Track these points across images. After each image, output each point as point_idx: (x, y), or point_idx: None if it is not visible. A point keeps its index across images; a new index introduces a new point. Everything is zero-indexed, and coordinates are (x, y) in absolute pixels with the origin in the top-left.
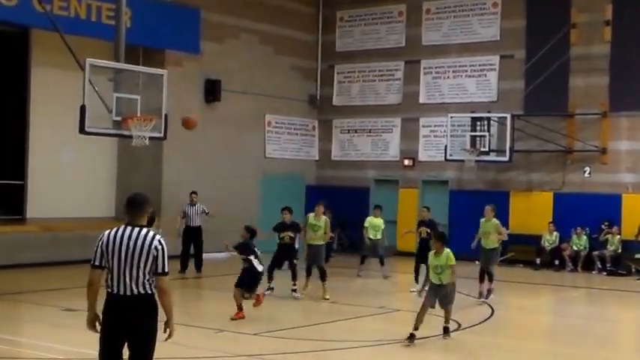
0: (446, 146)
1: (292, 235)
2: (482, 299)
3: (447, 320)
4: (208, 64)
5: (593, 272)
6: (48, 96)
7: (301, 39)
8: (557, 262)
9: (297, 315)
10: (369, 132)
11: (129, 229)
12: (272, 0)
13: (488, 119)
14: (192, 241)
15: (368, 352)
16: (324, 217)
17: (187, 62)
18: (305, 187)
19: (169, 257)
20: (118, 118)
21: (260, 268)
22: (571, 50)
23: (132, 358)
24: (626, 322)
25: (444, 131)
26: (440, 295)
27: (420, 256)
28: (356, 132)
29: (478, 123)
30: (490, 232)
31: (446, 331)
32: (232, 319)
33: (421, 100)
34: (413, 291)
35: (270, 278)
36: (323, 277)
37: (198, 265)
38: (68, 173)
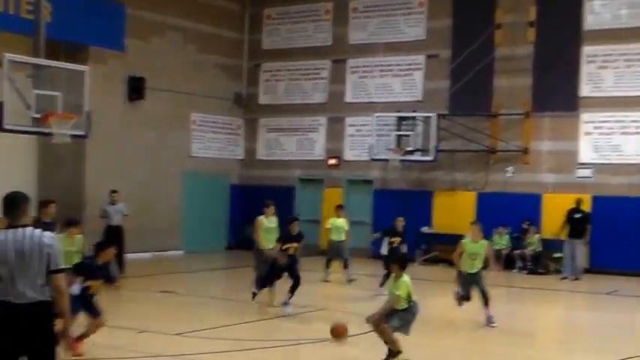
0: (371, 146)
1: (297, 246)
2: (492, 324)
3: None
4: (133, 62)
5: (514, 271)
6: None
7: (227, 37)
8: None
9: (220, 315)
10: (295, 131)
11: (12, 231)
12: None
13: (414, 119)
14: (114, 241)
15: (286, 351)
16: (275, 218)
17: (111, 59)
18: (230, 187)
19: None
20: (38, 115)
21: None
22: (496, 51)
23: None
24: (547, 320)
25: (370, 130)
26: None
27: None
28: (282, 131)
29: (403, 122)
30: (479, 253)
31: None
32: None
33: (347, 100)
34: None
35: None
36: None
37: (121, 266)
38: None
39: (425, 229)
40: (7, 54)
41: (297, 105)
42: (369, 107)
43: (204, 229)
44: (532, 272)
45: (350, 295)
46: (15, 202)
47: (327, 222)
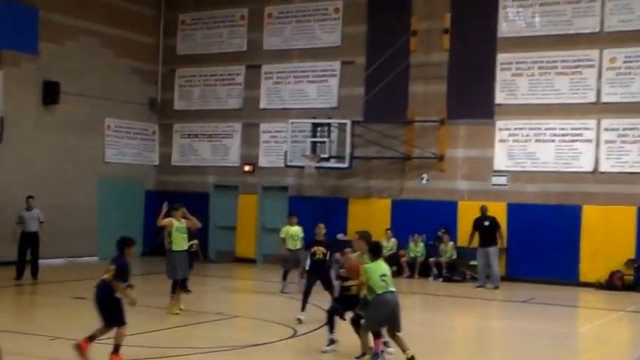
0: (286, 152)
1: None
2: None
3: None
4: (47, 66)
5: (430, 278)
6: None
7: (142, 42)
8: (394, 269)
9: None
10: (210, 137)
11: None
12: (113, 1)
13: (329, 125)
14: (28, 247)
15: (203, 358)
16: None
17: (25, 63)
18: (144, 193)
19: (5, 263)
20: None
21: None
22: (411, 57)
23: None
24: (463, 328)
25: (285, 137)
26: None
27: (313, 280)
28: (196, 137)
29: (319, 129)
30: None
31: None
32: None
33: (262, 106)
34: (299, 319)
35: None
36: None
37: (35, 272)
38: None
39: (340, 236)
40: None
41: (211, 111)
42: (283, 113)
43: (118, 234)
44: (448, 280)
45: (263, 301)
46: None
47: (281, 231)
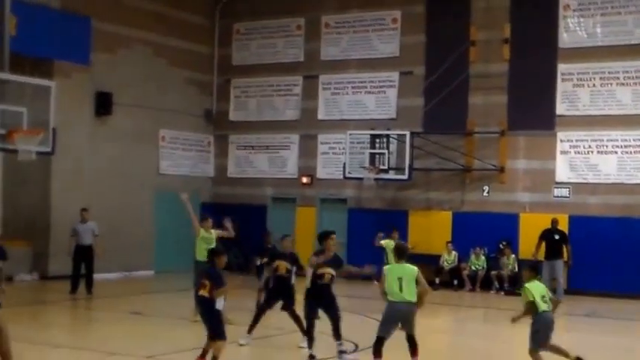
0: (344, 164)
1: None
2: None
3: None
4: (99, 76)
5: (491, 292)
6: None
7: (197, 51)
8: (455, 282)
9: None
10: (267, 148)
11: None
12: (166, 10)
13: (388, 136)
14: (82, 261)
15: None
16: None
17: (77, 73)
18: (200, 205)
19: (59, 277)
20: (3, 132)
21: None
22: (470, 68)
23: None
24: (523, 343)
25: (343, 148)
26: None
27: (274, 299)
28: (253, 148)
29: (377, 140)
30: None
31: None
32: None
33: (319, 117)
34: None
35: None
36: None
37: (89, 286)
38: None
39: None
40: None
41: (268, 122)
42: (341, 124)
43: (174, 248)
44: (509, 293)
45: None
46: None
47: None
